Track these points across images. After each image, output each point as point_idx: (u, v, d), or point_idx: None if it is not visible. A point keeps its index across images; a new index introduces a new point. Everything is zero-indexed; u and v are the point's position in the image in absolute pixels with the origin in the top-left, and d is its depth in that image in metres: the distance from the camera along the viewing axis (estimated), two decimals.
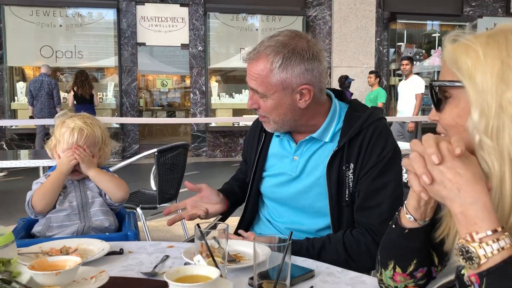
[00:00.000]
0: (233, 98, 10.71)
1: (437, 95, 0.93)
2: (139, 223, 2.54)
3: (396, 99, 11.37)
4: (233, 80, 11.00)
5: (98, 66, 10.43)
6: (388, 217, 1.10)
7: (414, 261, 1.02)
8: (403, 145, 3.07)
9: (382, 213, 1.41)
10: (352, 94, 9.09)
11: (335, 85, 9.94)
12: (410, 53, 11.36)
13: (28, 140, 9.23)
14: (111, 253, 1.35)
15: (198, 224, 1.15)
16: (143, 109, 12.68)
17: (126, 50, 9.86)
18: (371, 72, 8.68)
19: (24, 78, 10.21)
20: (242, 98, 10.48)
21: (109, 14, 9.87)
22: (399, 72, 11.27)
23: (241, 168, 1.88)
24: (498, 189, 0.83)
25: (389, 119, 6.96)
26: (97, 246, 1.37)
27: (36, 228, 1.74)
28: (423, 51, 11.69)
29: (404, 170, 1.47)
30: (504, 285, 0.76)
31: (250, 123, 1.86)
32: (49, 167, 3.74)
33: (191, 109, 10.21)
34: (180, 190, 3.74)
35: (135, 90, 10.03)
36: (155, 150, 3.40)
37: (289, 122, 1.51)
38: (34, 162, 3.46)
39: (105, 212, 1.80)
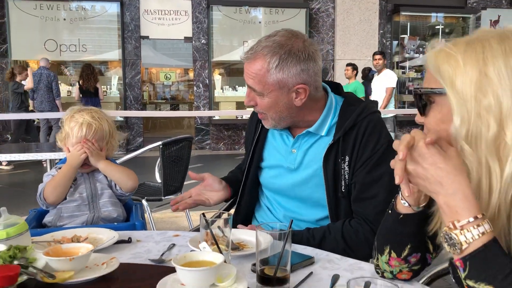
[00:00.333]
0: (236, 91, 10.74)
1: (422, 100, 0.98)
2: (145, 214, 2.60)
3: (400, 92, 11.41)
4: (236, 73, 11.02)
5: (102, 60, 10.48)
6: (384, 208, 1.15)
7: (408, 246, 1.07)
8: None
9: (378, 203, 1.46)
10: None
11: (338, 77, 9.97)
12: (414, 45, 11.34)
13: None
14: (120, 242, 1.40)
15: (203, 213, 1.21)
16: (147, 102, 12.73)
17: (130, 44, 9.90)
18: (348, 65, 8.51)
19: None
20: (245, 91, 10.44)
21: (113, 7, 9.91)
22: (403, 64, 11.29)
23: (244, 157, 1.94)
24: (476, 192, 0.89)
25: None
26: (107, 235, 1.43)
27: (47, 218, 1.81)
28: (427, 43, 11.64)
29: None
30: (486, 268, 0.82)
31: None
32: (55, 160, 3.82)
33: (195, 102, 10.26)
34: (185, 183, 3.80)
35: (139, 83, 10.08)
36: (160, 143, 3.46)
37: (286, 119, 1.56)
38: (42, 155, 3.51)
39: (114, 203, 1.87)
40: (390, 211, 1.09)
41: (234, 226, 1.53)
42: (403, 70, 11.36)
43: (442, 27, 11.75)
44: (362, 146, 1.50)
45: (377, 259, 1.14)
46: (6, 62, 9.45)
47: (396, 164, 0.93)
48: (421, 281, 1.29)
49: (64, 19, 9.83)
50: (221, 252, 1.13)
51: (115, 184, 1.89)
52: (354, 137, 1.51)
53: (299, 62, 1.46)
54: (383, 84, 7.56)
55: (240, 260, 1.26)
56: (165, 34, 10.14)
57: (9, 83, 8.11)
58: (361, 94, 7.93)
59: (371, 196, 1.49)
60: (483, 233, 0.84)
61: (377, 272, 1.16)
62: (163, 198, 3.53)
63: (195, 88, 10.26)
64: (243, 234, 1.45)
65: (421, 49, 11.38)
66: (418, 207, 1.04)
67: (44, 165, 6.84)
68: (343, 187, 1.53)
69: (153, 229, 3.45)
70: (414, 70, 11.34)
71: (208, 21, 10.10)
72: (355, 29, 10.23)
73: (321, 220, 1.60)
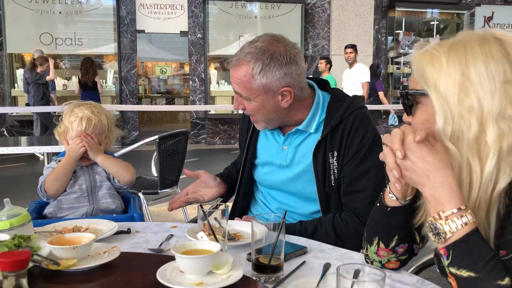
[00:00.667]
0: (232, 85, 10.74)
1: (408, 101, 1.04)
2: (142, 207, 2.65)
3: (394, 87, 11.48)
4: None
5: (98, 53, 10.46)
6: (373, 200, 1.20)
7: (396, 237, 1.13)
8: None
9: (366, 196, 1.52)
10: (382, 82, 9.10)
11: (333, 71, 10.00)
12: (408, 41, 11.40)
13: (29, 127, 9.30)
14: (119, 232, 1.45)
15: (201, 205, 1.26)
16: (143, 96, 12.74)
17: (126, 37, 9.89)
18: (322, 58, 8.43)
19: (23, 65, 10.21)
20: None
21: (109, 1, 9.88)
22: (398, 60, 11.36)
23: (239, 155, 2.00)
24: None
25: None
26: (106, 226, 1.48)
27: (48, 210, 1.85)
28: (421, 39, 11.71)
29: None
30: (468, 256, 0.88)
31: None
32: (53, 154, 3.85)
33: (190, 97, 10.28)
34: (181, 177, 3.84)
35: (135, 77, 10.09)
36: (156, 137, 3.50)
37: (275, 120, 1.61)
38: (39, 149, 3.55)
39: (112, 195, 1.91)
40: (378, 204, 1.14)
41: (231, 219, 1.58)
42: (398, 66, 11.43)
43: (437, 23, 11.82)
44: (349, 141, 1.55)
45: (367, 249, 1.20)
46: (1, 56, 9.42)
47: (387, 159, 0.98)
48: (409, 271, 1.34)
49: (60, 12, 9.79)
50: (218, 242, 1.17)
51: (113, 177, 1.93)
52: (341, 133, 1.56)
53: (282, 66, 1.50)
54: (355, 78, 7.54)
55: (236, 250, 1.31)
56: (161, 28, 10.13)
57: (30, 74, 8.11)
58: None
59: (360, 189, 1.54)
60: (466, 224, 0.90)
61: (367, 262, 1.22)
62: (159, 191, 3.57)
63: (190, 82, 10.28)
64: (238, 225, 1.50)
65: (415, 45, 11.42)
66: (405, 200, 1.09)
67: (41, 158, 6.84)
68: (332, 181, 1.58)
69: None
70: (408, 66, 11.39)
71: (204, 15, 10.10)
72: (350, 24, 10.26)
73: (314, 213, 1.66)
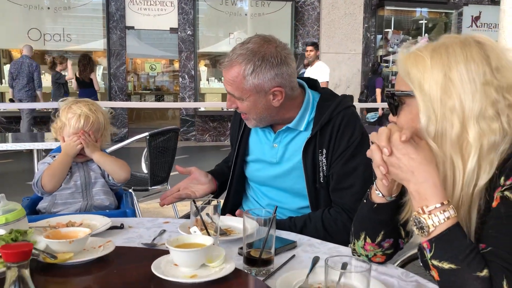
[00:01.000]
0: (222, 82, 10.67)
1: (394, 101, 1.08)
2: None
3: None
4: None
5: (87, 50, 10.36)
6: (360, 197, 1.25)
7: (382, 233, 1.17)
8: None
9: (354, 193, 1.57)
10: (383, 79, 9.18)
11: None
12: (397, 40, 11.50)
13: (17, 123, 9.22)
14: (112, 228, 1.48)
15: (194, 200, 1.30)
16: (132, 93, 12.67)
17: (115, 34, 9.84)
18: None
19: (11, 61, 10.14)
20: None
21: None
22: (386, 58, 11.45)
23: (231, 152, 2.03)
24: (443, 185, 0.99)
25: None
26: (100, 221, 1.50)
27: (42, 205, 1.87)
28: (410, 37, 11.82)
29: None
30: (449, 248, 0.93)
31: None
32: (44, 150, 3.85)
33: (180, 93, 10.27)
34: (171, 173, 3.87)
35: (124, 73, 10.04)
36: (147, 134, 3.51)
37: (266, 119, 1.65)
38: (33, 145, 3.55)
39: (106, 192, 1.94)
40: (365, 201, 1.19)
41: (223, 215, 1.62)
42: (387, 64, 11.53)
43: (426, 22, 11.94)
44: (337, 139, 1.60)
45: (354, 244, 1.24)
46: None
47: (374, 156, 1.02)
48: (395, 265, 1.39)
49: (48, 8, 9.70)
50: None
51: (108, 175, 1.95)
52: (330, 131, 1.61)
53: (273, 67, 1.54)
54: (316, 76, 7.51)
55: (228, 245, 1.34)
56: (150, 25, 10.10)
57: (50, 73, 8.09)
58: None
59: (348, 186, 1.59)
60: (448, 218, 0.95)
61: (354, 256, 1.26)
62: (149, 188, 3.59)
63: (180, 79, 10.27)
64: (230, 220, 1.54)
65: (404, 43, 11.52)
66: (390, 197, 1.14)
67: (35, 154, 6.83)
68: (321, 178, 1.62)
69: None
70: None
71: (194, 12, 10.08)
72: (340, 22, 10.31)
73: (303, 209, 1.70)
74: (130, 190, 3.37)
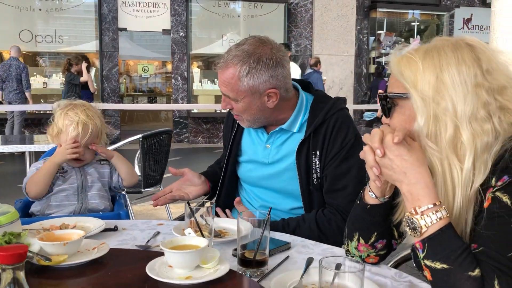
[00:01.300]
0: (215, 84, 10.74)
1: (387, 103, 1.09)
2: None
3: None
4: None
5: (79, 51, 10.29)
6: (354, 198, 1.26)
7: (375, 233, 1.18)
8: None
9: (348, 194, 1.58)
10: (387, 82, 9.28)
11: None
12: (390, 42, 11.57)
13: (2, 125, 9.14)
14: (106, 230, 1.48)
15: (188, 202, 1.30)
16: (124, 95, 12.63)
17: (107, 35, 9.82)
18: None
19: (1, 61, 10.07)
20: None
21: None
22: (379, 60, 11.52)
23: (223, 153, 2.03)
24: (442, 184, 1.01)
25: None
26: (94, 223, 1.50)
27: (36, 208, 1.86)
28: (403, 39, 11.91)
29: None
30: (441, 249, 0.94)
31: None
32: (36, 152, 3.82)
33: (173, 95, 10.26)
34: (164, 175, 3.86)
35: (116, 75, 10.02)
36: (140, 136, 3.50)
37: (260, 120, 1.66)
38: (25, 147, 3.53)
39: (102, 196, 1.93)
40: (358, 202, 1.20)
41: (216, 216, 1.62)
42: (377, 66, 11.58)
43: (418, 24, 12.02)
44: (331, 141, 1.61)
45: (348, 244, 1.25)
46: None
47: (367, 157, 1.03)
48: (388, 265, 1.40)
49: (40, 9, 9.66)
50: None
51: (118, 176, 1.97)
52: (324, 133, 1.62)
53: (268, 69, 1.55)
54: None
55: (222, 246, 1.35)
56: (143, 26, 10.09)
57: (65, 74, 8.05)
58: None
59: (342, 187, 1.60)
60: (440, 218, 0.96)
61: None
62: (143, 190, 3.58)
63: (173, 81, 10.25)
64: (224, 222, 1.54)
65: (397, 45, 11.57)
66: (383, 198, 1.15)
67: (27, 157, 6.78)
68: (315, 180, 1.63)
69: None
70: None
71: (187, 14, 10.09)
72: (333, 24, 10.37)
73: (295, 210, 1.71)
74: (123, 192, 3.37)
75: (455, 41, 1.03)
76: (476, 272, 0.91)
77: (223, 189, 1.86)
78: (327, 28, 10.36)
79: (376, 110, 9.19)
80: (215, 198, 1.90)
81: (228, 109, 1.69)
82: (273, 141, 1.72)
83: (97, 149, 1.91)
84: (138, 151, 3.64)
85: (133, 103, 13.06)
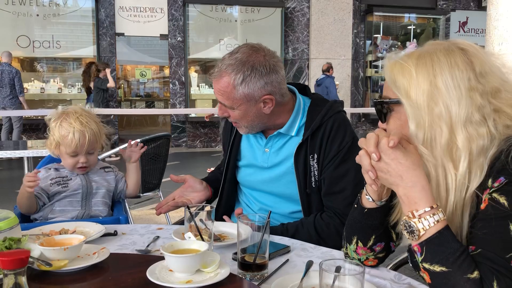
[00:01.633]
0: (212, 88, 10.74)
1: (382, 109, 1.10)
2: None
3: (373, 90, 11.68)
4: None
5: (76, 56, 10.36)
6: (352, 201, 1.26)
7: (373, 237, 1.19)
8: None
9: (346, 197, 1.58)
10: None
11: (313, 76, 10.13)
12: (386, 45, 11.62)
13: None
14: (106, 235, 1.48)
15: (188, 206, 1.30)
16: (122, 100, 12.64)
17: (105, 40, 9.83)
18: None
19: None
20: None
21: (87, 3, 9.81)
22: (376, 63, 11.56)
23: (223, 158, 2.04)
24: (435, 188, 1.02)
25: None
26: (93, 228, 1.50)
27: (38, 214, 1.86)
28: (399, 43, 11.97)
29: None
30: (440, 251, 0.95)
31: None
32: (34, 158, 3.82)
33: (171, 100, 10.26)
34: (163, 180, 3.86)
35: (114, 80, 10.01)
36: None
37: (257, 126, 1.67)
38: (23, 153, 3.53)
39: (105, 203, 1.94)
40: (355, 205, 1.21)
41: (217, 220, 1.63)
42: (376, 69, 11.64)
43: (414, 27, 12.08)
44: (329, 144, 1.62)
45: (346, 248, 1.26)
46: None
47: (363, 161, 1.04)
48: (388, 268, 1.41)
49: (37, 15, 9.68)
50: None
51: (123, 185, 2.01)
52: (321, 136, 1.63)
53: (262, 76, 1.56)
54: None
55: (222, 250, 1.35)
56: (140, 31, 10.11)
57: (94, 79, 8.13)
58: None
59: (340, 190, 1.61)
60: (437, 221, 0.96)
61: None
62: (141, 195, 3.58)
63: (171, 85, 10.27)
64: (223, 226, 1.55)
65: (393, 48, 11.67)
66: (380, 202, 1.15)
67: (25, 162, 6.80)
68: (313, 183, 1.64)
69: None
70: None
71: (184, 19, 10.11)
72: (330, 28, 10.41)
73: (295, 213, 1.72)
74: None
75: (447, 45, 1.04)
76: (475, 274, 0.92)
77: (224, 193, 1.87)
78: (324, 32, 10.40)
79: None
80: (215, 202, 1.90)
81: (225, 116, 1.70)
82: (271, 145, 1.73)
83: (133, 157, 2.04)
84: None
85: (131, 107, 13.06)
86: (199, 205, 1.35)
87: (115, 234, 1.50)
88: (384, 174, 1.01)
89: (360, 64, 11.34)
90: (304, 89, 1.80)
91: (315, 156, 1.63)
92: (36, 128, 9.39)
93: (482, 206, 0.97)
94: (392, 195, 1.15)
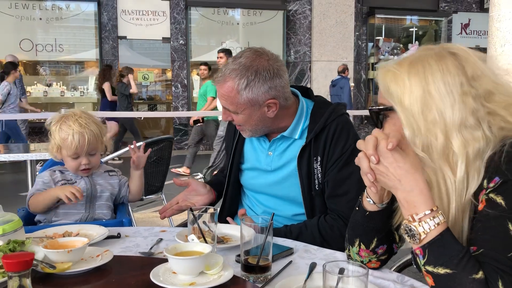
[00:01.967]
0: None
1: (377, 116, 1.10)
2: None
3: (375, 93, 11.66)
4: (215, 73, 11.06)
5: (79, 59, 10.40)
6: (356, 203, 1.26)
7: (376, 239, 1.19)
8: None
9: (350, 200, 1.58)
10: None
11: (315, 78, 10.13)
12: (388, 47, 11.61)
13: None
14: (109, 237, 1.48)
15: (191, 209, 1.30)
16: None
17: (107, 44, 9.86)
18: (202, 64, 7.61)
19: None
20: None
21: (90, 7, 9.86)
22: (378, 66, 11.56)
23: (226, 161, 2.05)
24: (437, 194, 1.02)
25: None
26: (97, 231, 1.50)
27: (41, 216, 1.86)
28: (401, 45, 11.96)
29: None
30: (443, 253, 0.95)
31: None
32: (37, 161, 3.83)
33: (173, 103, 10.28)
34: (166, 183, 3.86)
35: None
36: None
37: (261, 129, 1.68)
38: (27, 156, 3.55)
39: (108, 206, 1.94)
40: (357, 208, 1.20)
41: (220, 222, 1.63)
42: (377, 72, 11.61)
43: (416, 29, 12.07)
44: (332, 147, 1.62)
45: (349, 250, 1.26)
46: None
47: (362, 163, 1.04)
48: (391, 269, 1.40)
49: (40, 19, 9.72)
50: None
51: (126, 189, 2.01)
52: (324, 139, 1.63)
53: (266, 81, 1.56)
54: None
55: (225, 252, 1.35)
56: (143, 35, 10.14)
57: (117, 84, 8.18)
58: (212, 94, 6.96)
59: (343, 192, 1.61)
60: (438, 224, 0.96)
61: None
62: (144, 197, 3.58)
63: (173, 88, 10.29)
64: (226, 228, 1.55)
65: (395, 50, 11.67)
66: (382, 204, 1.15)
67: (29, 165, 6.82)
68: (317, 186, 1.64)
69: None
70: None
71: (186, 22, 10.14)
72: (331, 31, 10.41)
73: (298, 216, 1.72)
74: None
75: (438, 50, 1.04)
76: (480, 274, 0.92)
77: (227, 196, 1.87)
78: (326, 35, 10.41)
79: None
80: (219, 205, 1.90)
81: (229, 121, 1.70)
82: (275, 148, 1.73)
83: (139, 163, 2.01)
84: None
85: (134, 111, 13.07)
86: (202, 208, 1.35)
87: (118, 236, 1.51)
88: (383, 177, 1.01)
89: (362, 66, 11.33)
90: (306, 92, 1.80)
91: (319, 158, 1.63)
92: (39, 131, 9.41)
93: (480, 207, 0.97)
94: (394, 197, 1.15)
